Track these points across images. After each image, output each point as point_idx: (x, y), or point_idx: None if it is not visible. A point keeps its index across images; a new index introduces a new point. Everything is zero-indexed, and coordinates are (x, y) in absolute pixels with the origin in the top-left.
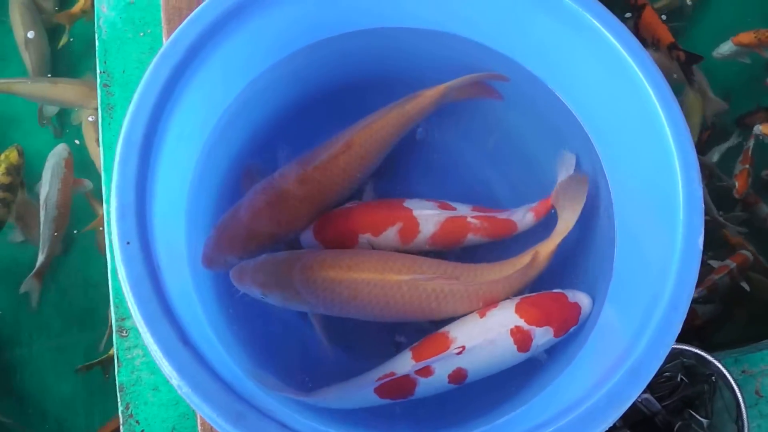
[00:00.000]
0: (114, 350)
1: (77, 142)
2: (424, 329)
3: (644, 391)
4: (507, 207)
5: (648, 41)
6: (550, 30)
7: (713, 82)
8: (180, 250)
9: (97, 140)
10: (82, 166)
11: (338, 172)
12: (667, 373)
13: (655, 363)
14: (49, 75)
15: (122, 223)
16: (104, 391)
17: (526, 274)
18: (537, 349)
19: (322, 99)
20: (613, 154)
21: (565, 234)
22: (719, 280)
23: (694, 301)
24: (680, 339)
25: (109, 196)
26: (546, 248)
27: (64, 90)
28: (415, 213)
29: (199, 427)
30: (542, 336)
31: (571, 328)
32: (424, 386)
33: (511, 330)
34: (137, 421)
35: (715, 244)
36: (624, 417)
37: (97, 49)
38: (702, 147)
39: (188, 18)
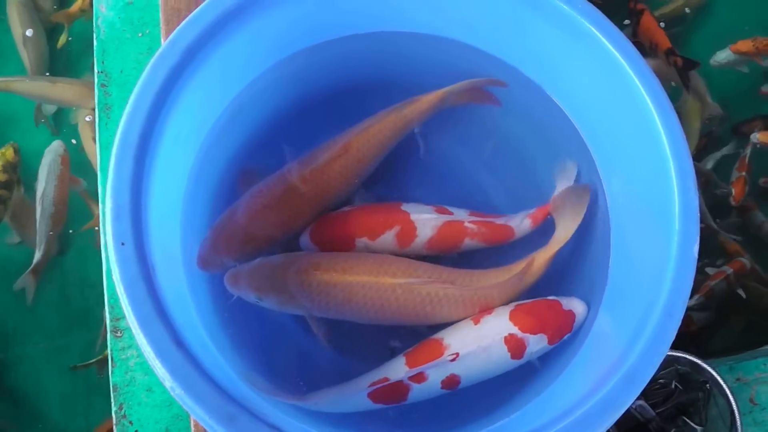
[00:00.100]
0: (108, 350)
1: (74, 141)
2: (419, 333)
3: (638, 398)
4: (504, 212)
5: (646, 46)
6: (548, 36)
7: (710, 90)
8: (175, 251)
9: (94, 139)
10: (78, 165)
11: (335, 176)
12: (661, 380)
13: (649, 370)
14: (47, 74)
15: (117, 224)
16: (99, 391)
17: (522, 281)
18: (531, 356)
19: (319, 102)
20: (609, 161)
21: (563, 243)
22: (716, 286)
23: (691, 308)
24: (675, 345)
25: (104, 196)
26: (543, 256)
27: (63, 89)
28: (413, 217)
29: (193, 429)
30: (536, 343)
31: (565, 336)
32: (417, 392)
33: (505, 338)
34: (130, 422)
35: (710, 252)
36: (618, 423)
37: (95, 48)
38: (698, 154)
39: (186, 19)
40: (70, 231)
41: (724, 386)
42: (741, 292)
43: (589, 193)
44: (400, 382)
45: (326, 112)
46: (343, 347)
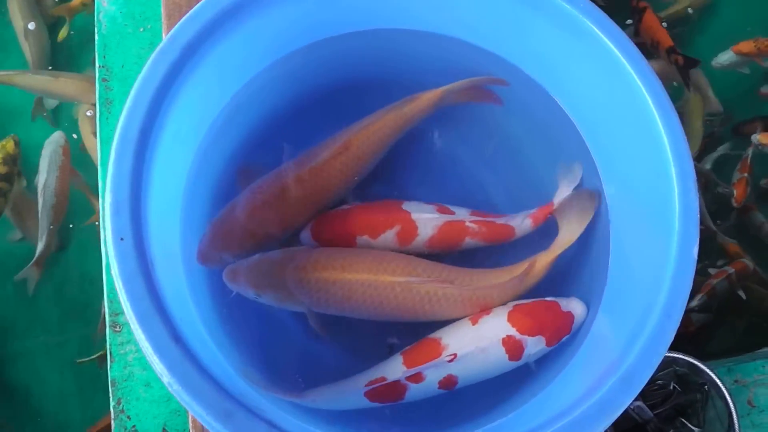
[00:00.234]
0: (107, 345)
1: (75, 136)
2: (417, 331)
3: (636, 399)
4: (504, 211)
5: (647, 44)
6: (550, 35)
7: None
8: (174, 247)
9: (94, 133)
10: (78, 160)
11: (335, 173)
12: (659, 381)
13: (647, 371)
14: (50, 68)
15: (116, 219)
16: (98, 386)
17: (522, 282)
18: (529, 358)
19: (319, 99)
20: (609, 161)
21: (565, 247)
22: (717, 285)
23: (692, 309)
24: (674, 347)
25: (104, 191)
26: (545, 259)
27: (65, 84)
28: (414, 216)
29: (190, 424)
30: (534, 345)
31: (563, 337)
32: (415, 391)
33: (503, 339)
34: (128, 417)
35: (710, 253)
36: (615, 424)
37: (96, 43)
38: (698, 155)
39: (187, 15)
40: (71, 225)
41: (723, 388)
42: (741, 293)
43: (597, 198)
44: (397, 382)
45: (325, 109)
46: (342, 344)
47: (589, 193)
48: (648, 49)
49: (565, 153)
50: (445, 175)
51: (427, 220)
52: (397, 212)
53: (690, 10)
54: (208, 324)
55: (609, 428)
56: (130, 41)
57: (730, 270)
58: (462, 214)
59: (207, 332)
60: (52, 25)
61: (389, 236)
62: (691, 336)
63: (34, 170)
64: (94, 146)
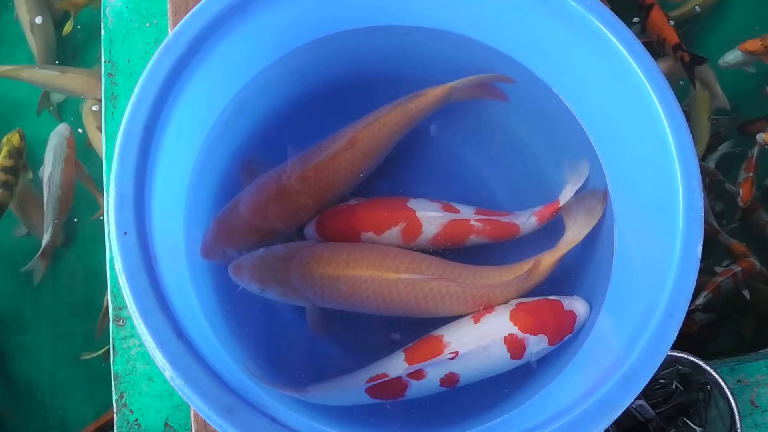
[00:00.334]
0: (110, 339)
1: (80, 131)
2: (420, 328)
3: (639, 397)
4: (508, 209)
5: (654, 41)
6: (556, 33)
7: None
8: (178, 242)
9: (98, 128)
10: (83, 155)
11: (341, 170)
12: (662, 380)
13: (649, 370)
14: (56, 62)
15: (120, 214)
16: (101, 380)
17: (527, 281)
18: (531, 356)
19: (325, 96)
20: (614, 160)
21: (570, 247)
22: (722, 282)
23: (695, 308)
24: (677, 346)
25: (108, 185)
26: (549, 258)
27: (72, 79)
28: (419, 214)
29: (192, 419)
30: (536, 344)
31: (566, 337)
32: (416, 388)
33: (505, 338)
34: (131, 411)
35: (714, 252)
36: (617, 422)
37: (102, 38)
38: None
39: (192, 10)
40: (75, 220)
41: (725, 388)
42: (746, 292)
43: (605, 199)
44: (398, 379)
45: (331, 106)
46: (345, 340)
47: (598, 194)
48: (654, 46)
49: (570, 151)
50: (450, 172)
51: (431, 218)
52: (402, 209)
53: (698, 9)
54: (210, 319)
55: (611, 426)
56: (136, 36)
57: (737, 268)
58: (467, 212)
59: (210, 327)
60: (59, 19)
61: (393, 233)
62: (694, 335)
63: (39, 163)
64: (99, 141)
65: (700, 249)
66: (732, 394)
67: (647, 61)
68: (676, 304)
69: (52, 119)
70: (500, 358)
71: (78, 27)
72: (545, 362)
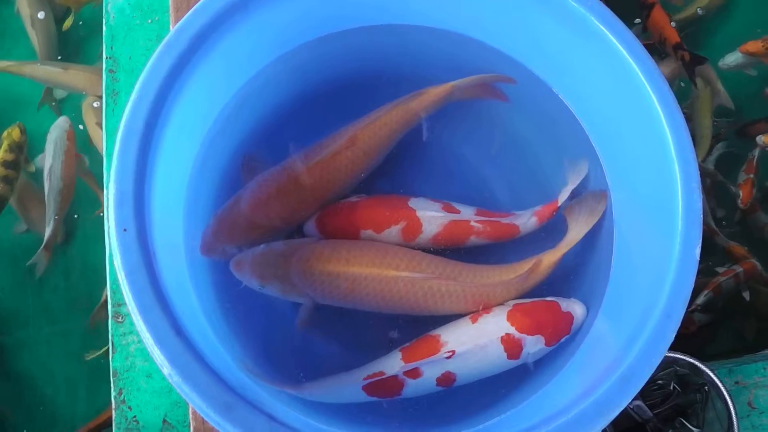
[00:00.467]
0: (109, 336)
1: (81, 127)
2: (419, 327)
3: (636, 398)
4: (508, 208)
5: (655, 40)
6: (557, 34)
7: None
8: (177, 240)
9: (98, 124)
10: (85, 152)
11: (341, 168)
12: (660, 381)
13: (646, 371)
14: (59, 57)
15: (120, 211)
16: (101, 377)
17: (527, 281)
18: (527, 357)
19: (326, 94)
20: (614, 160)
21: (570, 246)
22: (724, 282)
23: (695, 308)
24: (675, 347)
25: (109, 182)
26: (550, 258)
27: (74, 76)
28: (419, 213)
29: (191, 416)
30: (533, 345)
31: (563, 338)
32: (412, 387)
33: (502, 337)
34: (129, 407)
35: (712, 251)
36: (615, 423)
37: (104, 34)
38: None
39: (194, 8)
40: (76, 216)
41: (723, 389)
42: (746, 294)
43: (605, 200)
44: (395, 377)
45: (332, 104)
46: (343, 338)
47: (599, 194)
48: (656, 45)
49: (570, 151)
50: (450, 171)
51: (431, 218)
52: (402, 208)
53: (700, 11)
54: (209, 316)
55: (608, 427)
56: (137, 33)
57: (739, 269)
58: (467, 213)
59: (208, 324)
60: (60, 15)
61: (393, 232)
62: (692, 336)
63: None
64: (99, 137)
65: (698, 250)
66: (729, 395)
67: (647, 62)
68: (675, 305)
69: (53, 115)
70: (497, 357)
71: (80, 23)
72: (543, 363)
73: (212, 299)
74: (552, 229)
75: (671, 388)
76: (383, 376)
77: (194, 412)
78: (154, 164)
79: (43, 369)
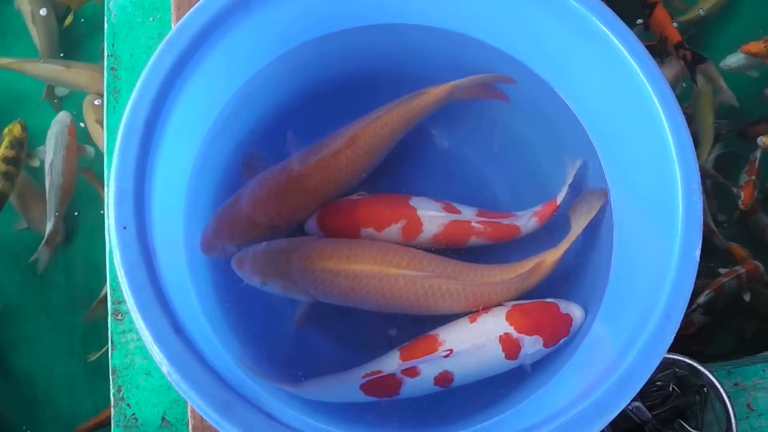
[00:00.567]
0: (108, 333)
1: (82, 125)
2: (419, 327)
3: (635, 399)
4: (509, 209)
5: (656, 39)
6: (558, 34)
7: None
8: (177, 238)
9: (98, 121)
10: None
11: (342, 167)
12: (659, 382)
13: (645, 373)
14: (61, 55)
15: (120, 208)
16: (102, 374)
17: (528, 280)
18: (526, 358)
19: (327, 93)
20: (615, 161)
21: (570, 243)
22: (726, 283)
23: (696, 307)
24: (674, 348)
25: (109, 180)
26: (551, 257)
27: (76, 74)
28: (420, 213)
29: (190, 414)
30: (531, 345)
31: (561, 340)
32: (410, 387)
33: (501, 337)
34: (128, 405)
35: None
36: (613, 424)
37: (105, 32)
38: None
39: (195, 6)
40: (76, 213)
41: (722, 391)
42: (746, 295)
43: (603, 197)
44: (392, 376)
45: (333, 103)
46: (343, 337)
47: (599, 192)
48: (657, 45)
49: (571, 151)
50: (451, 171)
51: (432, 218)
52: (403, 207)
53: (701, 12)
54: (209, 315)
55: (607, 428)
56: (139, 31)
57: (741, 270)
58: (468, 213)
59: (208, 323)
60: (63, 12)
61: (394, 230)
62: (691, 338)
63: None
64: (98, 134)
65: (698, 252)
66: (729, 397)
67: (649, 62)
68: (674, 306)
69: (55, 112)
70: (495, 357)
71: (82, 20)
72: (541, 363)
73: (212, 297)
74: (552, 229)
75: (670, 389)
76: (381, 374)
77: (193, 411)
78: (155, 162)
79: (43, 366)
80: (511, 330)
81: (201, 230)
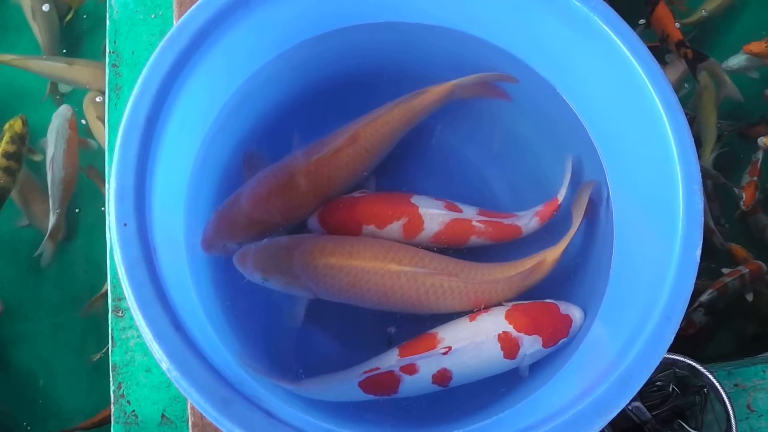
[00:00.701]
0: (109, 330)
1: (84, 121)
2: (419, 327)
3: (635, 399)
4: (509, 208)
5: (657, 36)
6: (560, 33)
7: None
8: (178, 235)
9: (99, 118)
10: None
11: (342, 165)
12: (659, 383)
13: (645, 373)
14: (64, 51)
15: (120, 205)
16: (100, 371)
17: (528, 278)
18: (524, 358)
19: (328, 91)
20: (616, 162)
21: (569, 240)
22: (730, 283)
23: (698, 306)
24: (675, 349)
25: (110, 176)
26: (552, 255)
27: (79, 71)
28: (421, 211)
29: (189, 411)
30: (530, 345)
31: (560, 340)
32: (408, 384)
33: (499, 335)
34: (128, 402)
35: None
36: (613, 424)
37: (107, 28)
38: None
39: (197, 3)
40: (77, 210)
41: (722, 391)
42: (749, 296)
43: (592, 187)
44: (391, 373)
45: (334, 101)
46: (343, 336)
47: (587, 183)
48: (659, 43)
49: (571, 151)
50: (451, 169)
51: (434, 216)
52: (405, 205)
53: (704, 12)
54: (209, 312)
55: (606, 428)
56: (141, 28)
57: (744, 270)
58: (469, 212)
59: (207, 320)
60: (65, 9)
61: (395, 228)
62: (692, 338)
63: (43, 152)
64: (99, 131)
65: (699, 252)
66: (728, 398)
67: (651, 63)
68: (674, 306)
69: (55, 108)
70: (493, 356)
71: (84, 16)
72: (541, 362)
73: (212, 295)
74: (553, 229)
75: (670, 389)
76: (379, 371)
77: (193, 408)
78: (156, 159)
79: (43, 363)
80: (510, 329)
81: (201, 228)
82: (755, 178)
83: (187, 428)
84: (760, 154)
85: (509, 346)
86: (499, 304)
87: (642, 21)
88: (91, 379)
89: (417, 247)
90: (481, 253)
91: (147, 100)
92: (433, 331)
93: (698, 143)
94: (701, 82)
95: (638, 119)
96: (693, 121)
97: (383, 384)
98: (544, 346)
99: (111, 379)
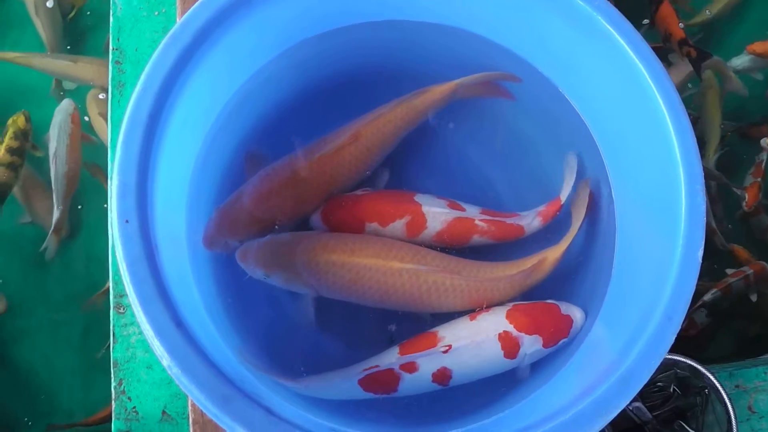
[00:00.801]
0: (110, 326)
1: (87, 118)
2: (419, 326)
3: (636, 400)
4: (511, 207)
5: (661, 34)
6: (563, 33)
7: (724, 98)
8: (179, 232)
9: (101, 114)
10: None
11: (344, 164)
12: (660, 383)
13: (646, 373)
14: (68, 48)
15: (122, 202)
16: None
17: (530, 277)
18: (525, 358)
19: (330, 90)
20: (618, 162)
21: (571, 239)
22: (734, 283)
23: (701, 305)
24: (675, 348)
25: (112, 173)
26: (553, 254)
27: (83, 68)
28: (424, 209)
29: (190, 408)
30: (531, 344)
31: (561, 341)
32: (408, 383)
33: (500, 335)
34: (129, 398)
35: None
36: (613, 424)
37: (111, 25)
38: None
39: (200, 1)
40: (79, 207)
41: (723, 392)
42: (753, 296)
43: (588, 186)
44: (390, 370)
45: (336, 100)
46: (344, 335)
47: (584, 181)
48: (662, 42)
49: (574, 151)
50: (454, 168)
51: (437, 214)
52: (408, 203)
53: (708, 12)
54: (210, 309)
55: (607, 428)
56: (144, 25)
57: (749, 271)
58: (472, 211)
59: (209, 317)
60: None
61: (398, 226)
62: (693, 339)
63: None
64: (101, 127)
65: (701, 253)
66: (729, 399)
67: (654, 63)
68: (676, 307)
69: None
70: (493, 355)
71: (88, 13)
72: (541, 362)
73: (213, 292)
74: (554, 228)
75: (671, 390)
76: (379, 368)
77: (193, 404)
78: (158, 156)
79: (45, 359)
80: (510, 328)
81: (203, 225)
82: (759, 179)
83: (188, 425)
84: (764, 156)
85: (509, 345)
86: (500, 304)
87: (646, 21)
88: (92, 375)
89: (419, 245)
90: (483, 252)
91: (150, 97)
92: (434, 329)
93: (701, 143)
94: (705, 82)
95: (641, 119)
96: (696, 121)
97: (383, 382)
98: (545, 346)
99: (112, 375)
